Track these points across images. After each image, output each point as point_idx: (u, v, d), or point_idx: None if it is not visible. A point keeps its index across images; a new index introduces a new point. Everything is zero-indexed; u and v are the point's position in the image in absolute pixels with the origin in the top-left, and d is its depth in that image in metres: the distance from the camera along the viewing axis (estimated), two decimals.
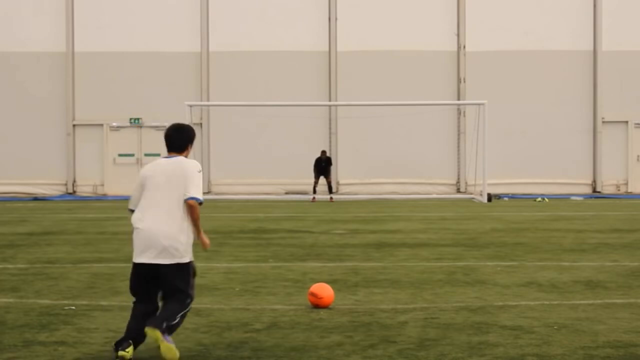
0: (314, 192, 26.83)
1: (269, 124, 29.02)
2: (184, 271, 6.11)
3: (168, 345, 5.92)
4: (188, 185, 6.11)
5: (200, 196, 6.14)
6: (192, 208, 6.12)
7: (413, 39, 29.77)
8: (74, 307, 8.14)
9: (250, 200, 26.74)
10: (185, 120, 26.06)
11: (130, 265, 6.21)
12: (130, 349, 6.00)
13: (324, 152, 27.22)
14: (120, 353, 5.98)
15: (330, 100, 29.45)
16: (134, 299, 6.28)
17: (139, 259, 6.12)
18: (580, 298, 8.63)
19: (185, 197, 6.09)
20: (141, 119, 29.78)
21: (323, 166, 26.89)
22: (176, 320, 6.06)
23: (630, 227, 16.67)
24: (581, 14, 30.01)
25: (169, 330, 5.99)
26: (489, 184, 26.26)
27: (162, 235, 6.04)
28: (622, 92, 29.93)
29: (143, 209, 6.17)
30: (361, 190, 29.47)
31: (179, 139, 6.34)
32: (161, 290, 6.21)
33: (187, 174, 6.15)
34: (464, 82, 29.88)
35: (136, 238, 6.14)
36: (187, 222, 6.13)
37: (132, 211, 6.29)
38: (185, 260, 6.10)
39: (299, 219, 18.97)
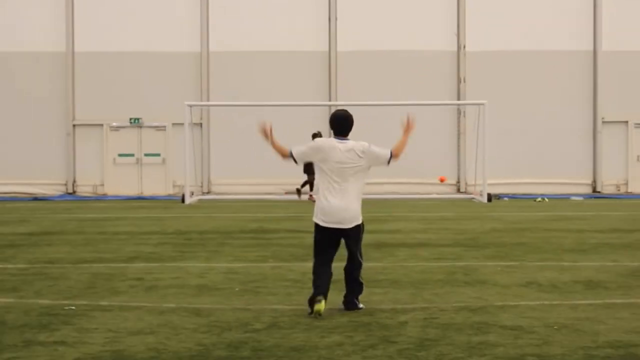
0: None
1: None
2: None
3: None
4: None
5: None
6: None
7: (413, 39, 29.73)
8: (74, 307, 8.14)
9: (250, 200, 26.73)
10: (185, 120, 26.07)
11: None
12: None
13: None
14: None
15: (330, 100, 29.40)
16: None
17: None
18: (580, 298, 8.63)
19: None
20: (141, 119, 29.75)
21: None
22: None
23: (630, 227, 16.66)
24: (581, 15, 29.98)
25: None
26: (489, 184, 26.21)
27: None
28: (622, 92, 29.89)
29: None
30: None
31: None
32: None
33: None
34: (464, 82, 29.87)
35: None
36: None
37: None
38: None
39: (299, 219, 18.97)
